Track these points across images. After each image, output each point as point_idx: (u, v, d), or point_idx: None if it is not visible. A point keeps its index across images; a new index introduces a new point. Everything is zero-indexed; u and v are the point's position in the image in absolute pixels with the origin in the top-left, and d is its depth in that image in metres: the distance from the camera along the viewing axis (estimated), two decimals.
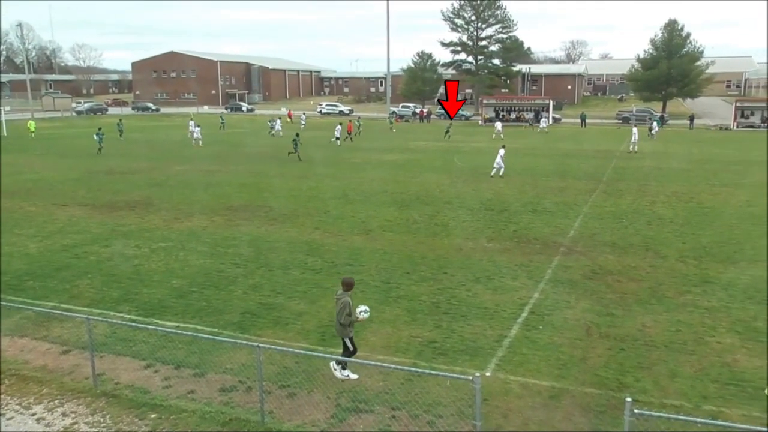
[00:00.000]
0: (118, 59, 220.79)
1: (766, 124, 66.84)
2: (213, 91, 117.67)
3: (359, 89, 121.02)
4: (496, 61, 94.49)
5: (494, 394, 9.66)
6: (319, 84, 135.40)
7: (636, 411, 6.97)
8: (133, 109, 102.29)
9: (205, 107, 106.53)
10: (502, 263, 16.58)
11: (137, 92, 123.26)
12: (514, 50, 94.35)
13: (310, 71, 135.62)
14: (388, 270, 15.99)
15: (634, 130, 45.42)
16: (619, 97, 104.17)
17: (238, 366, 10.65)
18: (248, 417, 9.09)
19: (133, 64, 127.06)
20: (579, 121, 71.53)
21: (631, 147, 43.67)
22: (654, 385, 10.00)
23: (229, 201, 25.22)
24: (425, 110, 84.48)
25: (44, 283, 15.05)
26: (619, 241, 18.90)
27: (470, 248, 18.11)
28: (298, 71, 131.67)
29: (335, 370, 10.19)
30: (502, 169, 31.52)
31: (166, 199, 25.78)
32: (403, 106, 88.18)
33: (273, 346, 9.85)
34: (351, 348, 10.12)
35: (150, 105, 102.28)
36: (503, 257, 17.17)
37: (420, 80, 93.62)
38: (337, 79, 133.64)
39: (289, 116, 77.99)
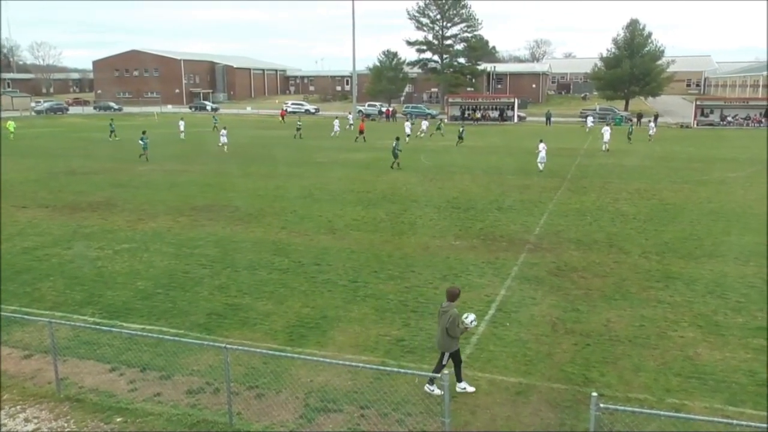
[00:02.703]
0: (79, 58, 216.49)
1: (724, 122, 68.79)
2: (177, 90, 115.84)
3: (325, 88, 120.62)
4: (462, 60, 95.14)
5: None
6: (284, 83, 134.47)
7: (602, 405, 7.08)
8: (94, 108, 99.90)
9: (169, 106, 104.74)
10: (468, 261, 16.71)
11: (99, 91, 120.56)
12: (479, 49, 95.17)
13: (276, 70, 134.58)
14: (355, 269, 15.97)
15: (605, 129, 45.13)
16: (582, 95, 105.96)
17: (205, 367, 10.51)
18: (216, 419, 8.98)
19: (95, 63, 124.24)
20: (544, 119, 72.50)
21: (603, 147, 43.52)
22: (619, 379, 10.19)
23: (194, 201, 24.86)
24: (391, 109, 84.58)
25: (4, 287, 14.60)
26: (583, 237, 19.21)
27: (437, 246, 18.20)
28: (263, 70, 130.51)
29: (465, 388, 9.72)
30: (544, 162, 32.78)
31: (130, 199, 25.29)
32: (369, 105, 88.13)
33: (240, 347, 9.74)
34: (444, 362, 9.61)
35: (112, 104, 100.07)
36: (470, 255, 17.30)
37: (386, 79, 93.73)
38: (302, 77, 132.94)
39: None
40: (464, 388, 9.72)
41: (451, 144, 48.23)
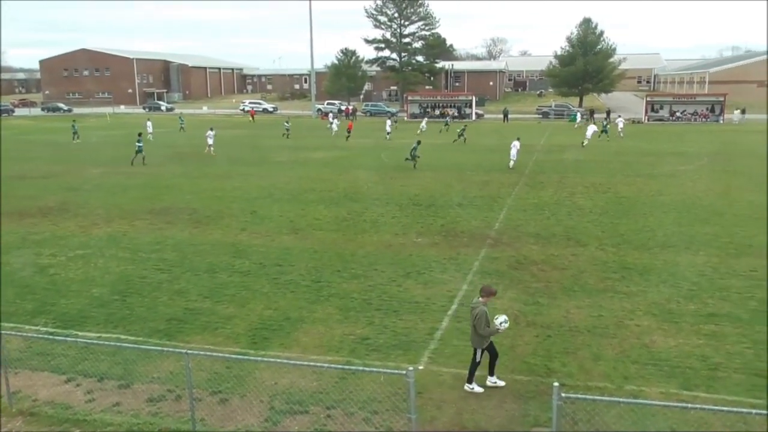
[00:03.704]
0: (24, 57, 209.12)
1: (673, 118, 70.86)
2: (129, 90, 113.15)
3: (283, 86, 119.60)
4: (420, 58, 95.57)
5: (428, 386, 9.78)
6: (241, 81, 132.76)
7: (563, 395, 7.20)
8: (42, 109, 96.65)
9: (122, 107, 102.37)
10: (431, 257, 16.80)
11: (46, 92, 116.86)
12: (437, 47, 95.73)
13: (232, 69, 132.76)
14: (318, 269, 15.88)
15: (590, 126, 47.34)
16: (538, 92, 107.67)
17: (166, 374, 10.29)
18: (179, 426, 8.81)
19: (41, 62, 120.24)
20: (501, 116, 73.40)
21: (584, 142, 44.99)
22: (579, 368, 10.40)
23: (151, 204, 24.33)
24: (351, 107, 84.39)
25: None
26: (542, 231, 19.53)
27: (400, 244, 18.25)
28: (219, 69, 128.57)
29: (496, 382, 9.82)
30: (515, 159, 33.26)
31: (83, 204, 24.58)
32: (328, 103, 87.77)
33: (202, 352, 9.60)
34: (478, 360, 9.68)
35: (61, 105, 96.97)
36: (432, 251, 17.40)
37: (345, 77, 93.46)
38: (260, 76, 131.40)
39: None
40: (495, 383, 9.79)
41: (411, 142, 48.31)
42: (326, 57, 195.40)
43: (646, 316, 12.58)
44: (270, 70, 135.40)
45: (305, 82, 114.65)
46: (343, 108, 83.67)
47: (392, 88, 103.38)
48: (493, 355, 9.82)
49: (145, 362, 10.67)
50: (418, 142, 34.92)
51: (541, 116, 78.33)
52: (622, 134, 52.75)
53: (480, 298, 9.71)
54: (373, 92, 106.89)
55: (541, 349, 11.16)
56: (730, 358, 10.69)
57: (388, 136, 51.13)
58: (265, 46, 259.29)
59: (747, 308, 12.89)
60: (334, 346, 11.32)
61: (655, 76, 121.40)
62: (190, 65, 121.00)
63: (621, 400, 8.64)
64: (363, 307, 13.21)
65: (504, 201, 24.41)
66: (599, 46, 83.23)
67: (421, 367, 10.40)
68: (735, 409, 7.99)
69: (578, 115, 67.03)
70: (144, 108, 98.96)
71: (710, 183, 28.21)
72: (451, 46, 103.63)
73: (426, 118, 64.39)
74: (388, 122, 54.02)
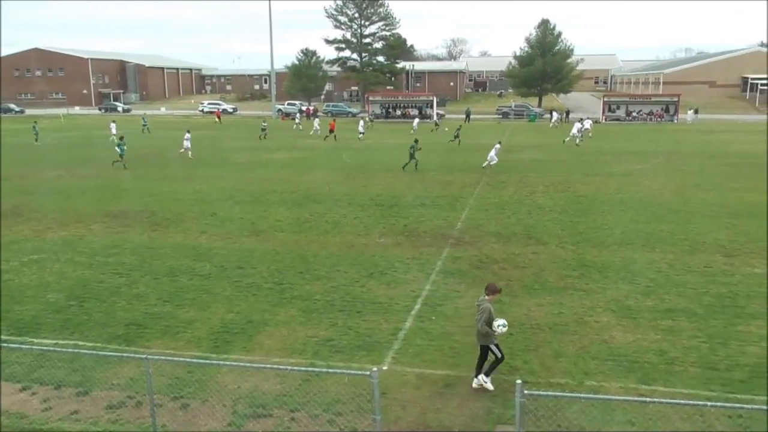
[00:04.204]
0: None
1: (630, 117, 72.62)
2: (84, 91, 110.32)
3: (243, 87, 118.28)
4: (381, 59, 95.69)
5: (392, 386, 9.79)
6: (200, 82, 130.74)
7: (526, 392, 7.29)
8: None
9: (76, 108, 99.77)
10: (394, 257, 16.84)
11: None
12: (398, 47, 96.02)
13: (191, 69, 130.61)
14: (280, 271, 15.76)
15: (576, 124, 48.94)
16: (498, 93, 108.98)
17: (125, 380, 10.08)
18: None
19: None
20: (463, 116, 74.01)
21: (575, 140, 46.58)
22: (541, 365, 10.55)
23: (108, 207, 23.77)
24: (312, 108, 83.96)
25: None
26: (503, 230, 19.77)
27: (362, 244, 18.24)
28: (177, 69, 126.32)
29: (485, 383, 9.69)
30: (494, 161, 33.32)
31: (37, 207, 23.87)
32: (288, 104, 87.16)
33: (162, 357, 9.41)
34: (499, 355, 9.60)
35: (12, 106, 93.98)
36: (395, 251, 17.44)
37: (305, 77, 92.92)
38: (219, 76, 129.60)
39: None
40: (480, 385, 9.76)
41: (373, 142, 48.45)
42: (286, 57, 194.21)
43: (605, 313, 12.84)
44: (229, 70, 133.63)
45: (265, 82, 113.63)
46: (304, 108, 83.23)
47: (353, 88, 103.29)
48: (484, 356, 9.84)
49: (103, 368, 10.43)
50: (416, 141, 34.10)
51: (501, 116, 79.34)
52: (587, 135, 53.81)
53: (486, 296, 9.77)
54: (334, 93, 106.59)
55: (504, 347, 11.16)
56: (687, 352, 11.00)
57: (360, 136, 51.16)
58: (225, 46, 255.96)
59: (702, 303, 13.28)
60: (297, 349, 11.25)
61: (611, 76, 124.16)
62: (147, 65, 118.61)
63: (582, 395, 8.80)
64: (326, 309, 13.16)
65: (466, 201, 24.62)
66: (557, 47, 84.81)
67: (385, 368, 10.41)
68: (692, 402, 8.23)
69: (554, 114, 68.00)
70: (100, 109, 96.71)
71: (665, 181, 28.99)
72: (411, 46, 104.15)
73: (417, 119, 65.65)
74: (361, 123, 54.12)
